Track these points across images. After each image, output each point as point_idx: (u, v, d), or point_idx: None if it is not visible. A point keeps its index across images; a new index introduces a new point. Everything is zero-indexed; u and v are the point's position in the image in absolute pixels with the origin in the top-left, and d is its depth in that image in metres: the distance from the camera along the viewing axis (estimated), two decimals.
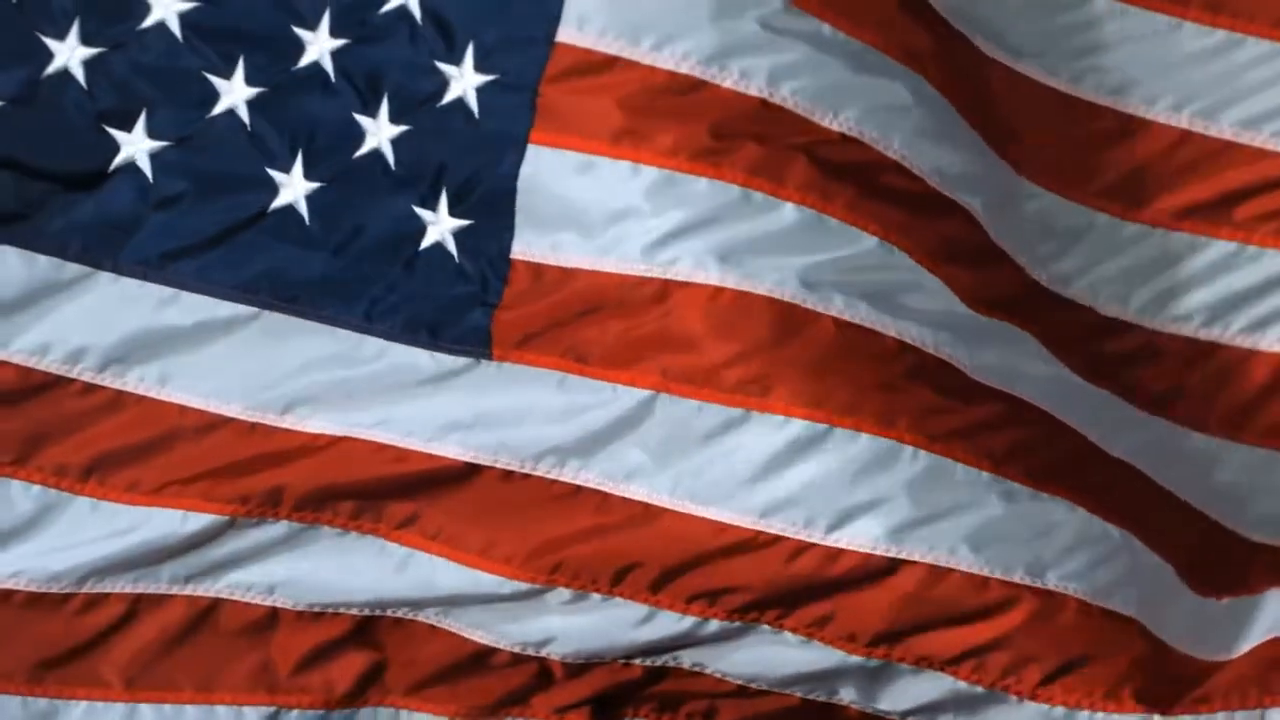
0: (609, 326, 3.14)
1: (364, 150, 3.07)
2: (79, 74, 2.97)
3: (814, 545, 3.22)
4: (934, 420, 3.20)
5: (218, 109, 3.02)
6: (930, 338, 3.19)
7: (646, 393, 3.17)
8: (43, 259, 3.05)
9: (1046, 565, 3.26)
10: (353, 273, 3.12)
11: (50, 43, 2.95)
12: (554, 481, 3.22)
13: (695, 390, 3.16)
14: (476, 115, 3.05)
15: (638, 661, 3.37)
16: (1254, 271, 3.30)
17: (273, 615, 3.30)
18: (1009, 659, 3.30)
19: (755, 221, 3.11)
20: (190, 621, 3.27)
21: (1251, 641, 3.29)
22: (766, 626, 3.30)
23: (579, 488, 3.22)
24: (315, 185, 3.08)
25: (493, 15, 3.01)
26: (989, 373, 3.23)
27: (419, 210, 3.11)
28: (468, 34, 3.02)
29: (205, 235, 3.07)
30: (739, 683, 3.39)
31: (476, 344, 3.15)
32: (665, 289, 3.12)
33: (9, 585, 3.19)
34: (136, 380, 3.13)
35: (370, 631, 3.33)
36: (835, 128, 3.10)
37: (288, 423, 3.18)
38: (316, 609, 3.30)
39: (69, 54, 2.96)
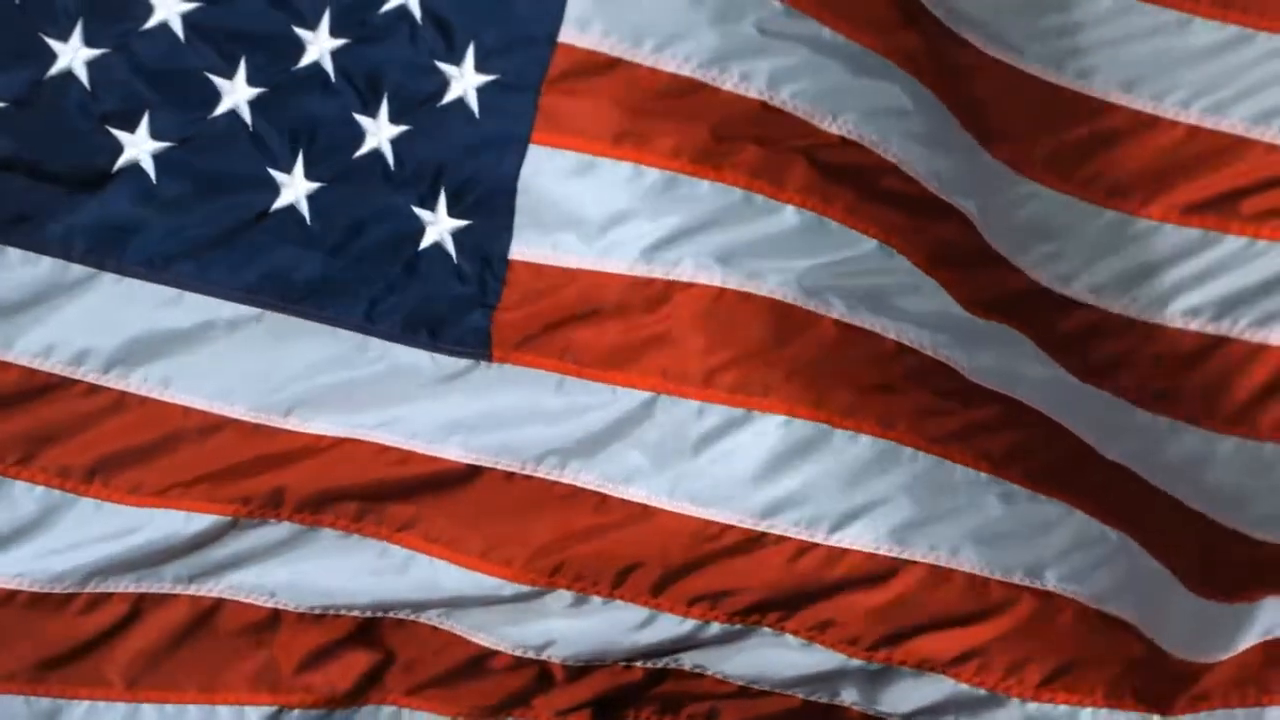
0: (608, 328, 3.14)
1: (364, 150, 3.08)
2: (82, 75, 2.98)
3: (817, 545, 3.22)
4: (933, 422, 3.21)
5: (220, 109, 3.03)
6: (929, 340, 3.19)
7: (646, 394, 3.17)
8: (46, 260, 3.06)
9: (1045, 566, 3.26)
10: (353, 273, 3.12)
11: (53, 44, 2.96)
12: (555, 483, 3.22)
13: (697, 391, 3.16)
14: (477, 115, 3.06)
15: (639, 664, 3.37)
16: (1263, 266, 3.29)
17: (275, 617, 3.30)
18: (1010, 660, 3.29)
19: (757, 224, 3.11)
20: (193, 621, 3.28)
21: (1248, 642, 3.28)
22: (768, 629, 3.30)
23: (579, 489, 3.22)
24: (316, 185, 3.09)
25: (493, 15, 3.01)
26: (987, 374, 3.23)
27: (418, 210, 3.12)
28: (468, 34, 3.02)
29: (207, 236, 3.08)
30: (740, 684, 3.39)
31: (476, 345, 3.16)
32: (667, 290, 3.12)
33: (12, 586, 3.20)
34: (140, 381, 3.14)
35: (372, 632, 3.33)
36: (834, 130, 3.10)
37: (291, 424, 3.19)
38: (318, 611, 3.30)
39: (72, 55, 2.97)
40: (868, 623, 3.28)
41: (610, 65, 3.03)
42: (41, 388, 3.13)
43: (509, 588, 3.27)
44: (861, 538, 3.22)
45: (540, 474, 3.22)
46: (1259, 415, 3.33)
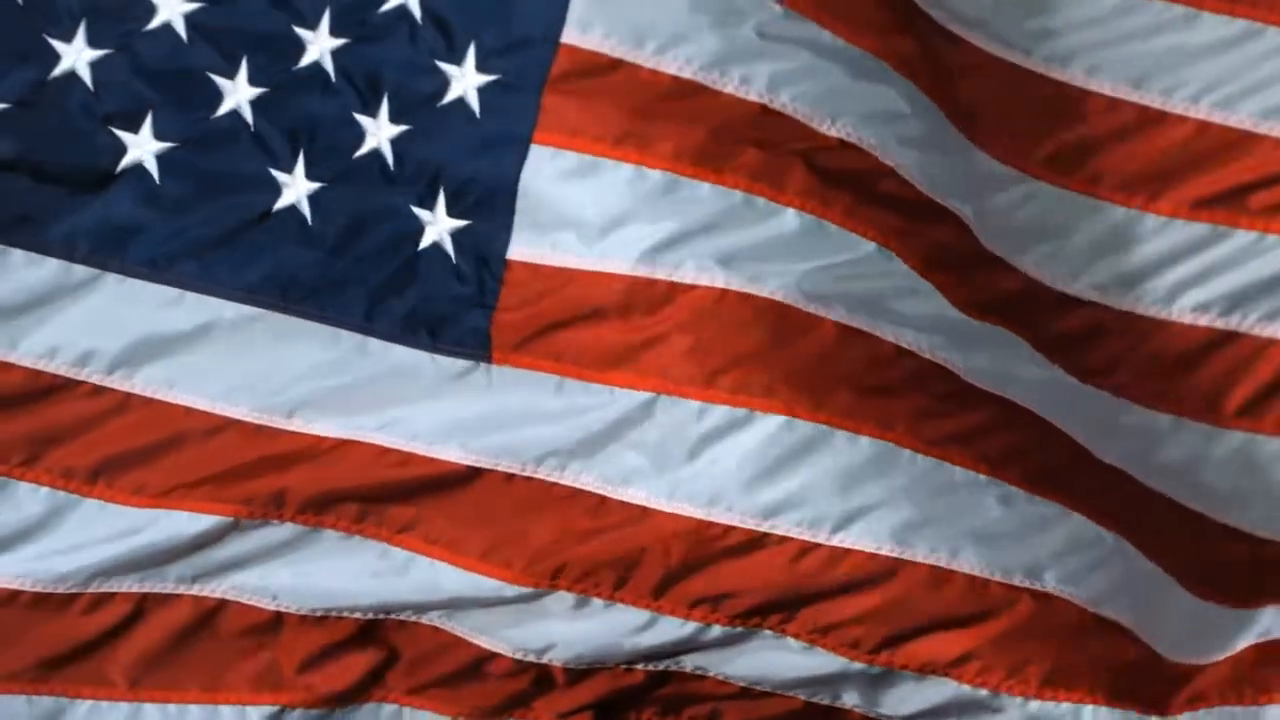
0: (608, 329, 3.14)
1: (364, 150, 3.09)
2: (85, 76, 3.00)
3: (819, 546, 3.21)
4: (931, 424, 3.20)
5: (222, 109, 3.05)
6: (926, 342, 3.19)
7: (646, 395, 3.17)
8: (50, 261, 3.09)
9: (1044, 568, 3.25)
10: (353, 273, 3.13)
11: (56, 44, 2.98)
12: (556, 484, 3.22)
13: (698, 391, 3.16)
14: (478, 115, 3.07)
15: (640, 666, 3.37)
16: (1272, 261, 3.29)
17: (277, 619, 3.30)
18: (1011, 661, 3.28)
19: (758, 227, 3.11)
20: (196, 622, 3.28)
21: (1245, 643, 3.28)
22: (769, 632, 3.29)
23: (579, 490, 3.22)
24: (317, 185, 3.11)
25: (494, 16, 3.02)
26: (982, 376, 3.23)
27: (417, 210, 3.12)
28: (468, 34, 3.03)
29: (210, 236, 3.10)
30: (742, 685, 3.38)
31: (476, 346, 3.16)
32: (670, 292, 3.11)
33: (15, 586, 3.21)
34: (144, 382, 3.15)
35: (375, 633, 3.33)
36: (833, 134, 3.11)
37: (293, 425, 3.19)
38: (320, 613, 3.30)
39: (75, 56, 2.99)
40: (869, 625, 3.27)
41: (612, 67, 3.04)
42: (46, 389, 3.14)
43: (509, 589, 3.26)
44: (863, 538, 3.21)
45: (540, 475, 3.22)
46: (1264, 411, 3.33)
